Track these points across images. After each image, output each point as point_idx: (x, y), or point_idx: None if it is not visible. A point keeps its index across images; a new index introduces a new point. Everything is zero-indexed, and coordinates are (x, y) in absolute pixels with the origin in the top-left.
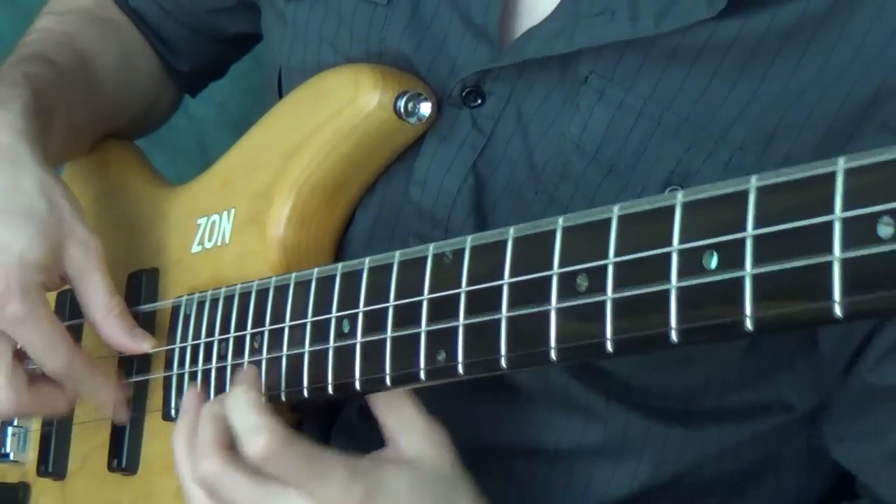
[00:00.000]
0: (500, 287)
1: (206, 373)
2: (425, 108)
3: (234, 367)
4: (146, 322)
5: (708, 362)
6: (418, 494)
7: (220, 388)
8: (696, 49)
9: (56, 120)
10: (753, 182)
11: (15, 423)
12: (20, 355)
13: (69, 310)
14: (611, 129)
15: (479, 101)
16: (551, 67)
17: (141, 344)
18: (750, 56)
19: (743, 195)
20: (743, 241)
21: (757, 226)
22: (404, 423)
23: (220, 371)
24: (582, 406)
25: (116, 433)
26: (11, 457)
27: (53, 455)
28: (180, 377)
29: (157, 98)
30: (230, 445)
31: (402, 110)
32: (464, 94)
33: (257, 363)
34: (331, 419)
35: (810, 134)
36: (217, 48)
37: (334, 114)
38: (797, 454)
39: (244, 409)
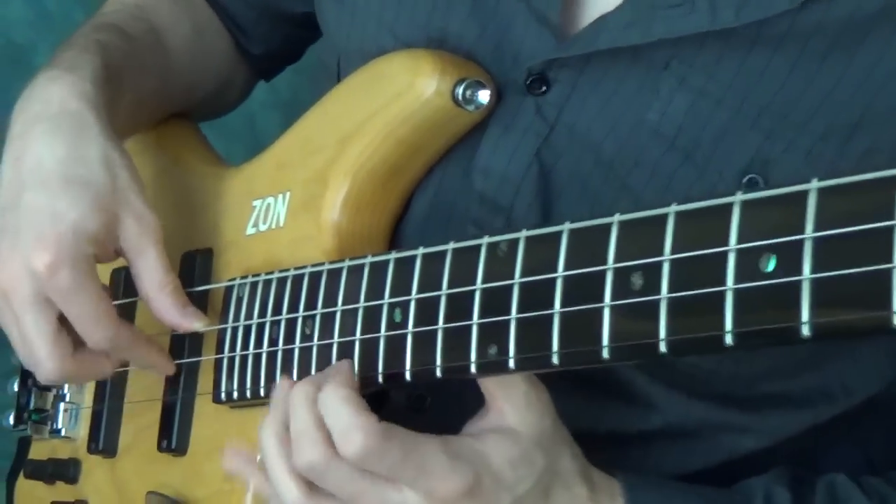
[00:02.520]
0: (554, 281)
1: (257, 357)
2: (483, 96)
3: (286, 353)
4: (199, 303)
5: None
6: (524, 468)
7: (274, 373)
8: (778, 36)
9: (125, 91)
10: (814, 184)
11: (67, 399)
12: (66, 323)
13: (123, 288)
14: (690, 115)
15: (544, 89)
16: (622, 55)
17: (192, 322)
18: (833, 43)
19: (803, 196)
20: (801, 244)
21: (817, 228)
22: (506, 387)
23: (272, 356)
24: (644, 396)
25: (167, 414)
26: (63, 433)
27: (104, 433)
28: (231, 360)
29: (230, 79)
30: (329, 437)
31: (460, 97)
32: (528, 81)
33: (308, 350)
34: (378, 406)
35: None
36: (286, 30)
37: (391, 99)
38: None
39: (337, 408)
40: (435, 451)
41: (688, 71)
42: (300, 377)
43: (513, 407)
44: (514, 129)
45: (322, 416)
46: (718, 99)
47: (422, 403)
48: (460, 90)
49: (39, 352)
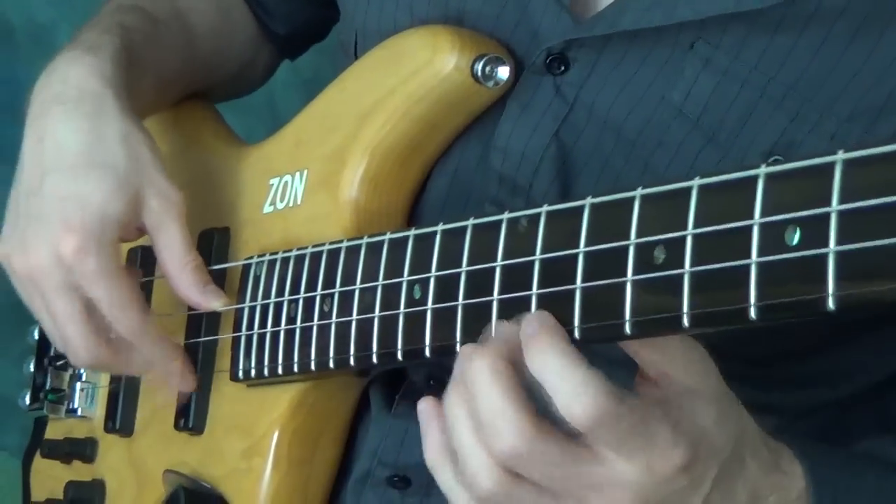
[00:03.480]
0: (576, 257)
1: (275, 335)
2: (503, 72)
3: (304, 331)
4: (216, 282)
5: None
6: (724, 426)
7: (292, 351)
8: (804, 17)
9: (147, 71)
10: (840, 155)
11: (83, 378)
12: (94, 309)
13: (139, 267)
14: (715, 96)
15: (563, 69)
16: (644, 36)
17: (212, 301)
18: (861, 24)
19: (829, 168)
20: (827, 216)
21: (842, 201)
22: (663, 351)
23: (289, 334)
24: None
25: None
26: (80, 412)
27: (121, 412)
28: (249, 338)
29: (253, 59)
30: (531, 409)
31: (479, 74)
32: (547, 61)
33: (327, 327)
34: (397, 384)
35: None
36: (310, 10)
37: (410, 76)
38: None
39: (559, 364)
40: (660, 421)
41: (713, 52)
42: (318, 356)
43: (680, 369)
44: (532, 109)
45: (514, 386)
46: (744, 80)
47: (442, 382)
48: (479, 66)
49: (73, 337)
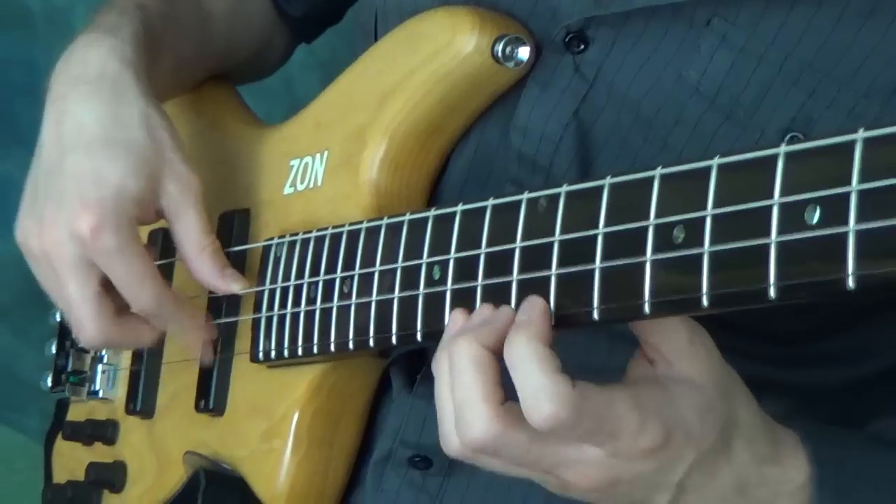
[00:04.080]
0: (595, 237)
1: (295, 316)
2: (523, 53)
3: (324, 312)
4: (236, 263)
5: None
6: (710, 418)
7: (312, 332)
8: None
9: (165, 53)
10: (860, 134)
11: (105, 360)
12: (109, 287)
13: (160, 249)
14: (731, 73)
15: (582, 47)
16: (661, 13)
17: (231, 284)
18: (878, 0)
19: (849, 147)
20: (847, 195)
21: (863, 180)
22: (667, 334)
23: (309, 315)
24: None
25: (204, 374)
26: (101, 394)
27: (142, 394)
28: (269, 319)
29: (270, 41)
30: (501, 399)
31: (499, 54)
32: (566, 39)
33: (346, 308)
34: (418, 365)
35: None
36: None
37: (430, 57)
38: None
39: (529, 365)
40: (627, 409)
41: (729, 28)
42: (339, 337)
43: (681, 354)
44: (552, 88)
45: (489, 377)
46: (760, 56)
47: None
48: (500, 47)
49: (83, 316)
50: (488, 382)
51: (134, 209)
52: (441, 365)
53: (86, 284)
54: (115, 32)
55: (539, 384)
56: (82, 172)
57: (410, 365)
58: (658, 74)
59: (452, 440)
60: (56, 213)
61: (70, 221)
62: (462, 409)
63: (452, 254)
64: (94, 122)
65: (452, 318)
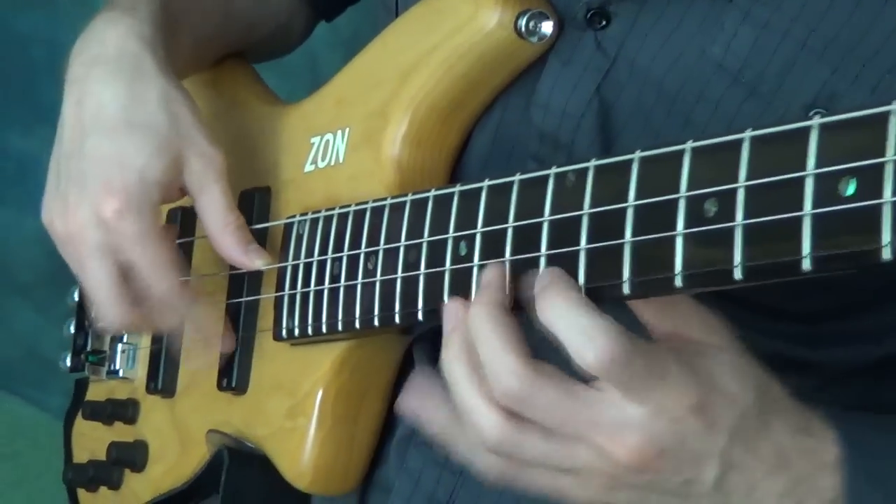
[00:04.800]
0: (625, 210)
1: (319, 294)
2: (546, 28)
3: (348, 289)
4: (258, 241)
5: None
6: (743, 380)
7: (336, 309)
8: None
9: (185, 30)
10: (895, 106)
11: (125, 340)
12: (131, 272)
13: (180, 227)
14: (755, 49)
15: (604, 24)
16: None
17: (254, 260)
18: None
19: (883, 118)
20: (882, 166)
21: None
22: (681, 313)
23: (333, 292)
24: None
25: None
26: (121, 373)
27: (163, 373)
28: (292, 297)
29: (290, 19)
30: (529, 352)
31: (522, 29)
32: (588, 16)
33: (371, 285)
34: (441, 343)
35: None
36: None
37: (452, 32)
38: None
39: (571, 312)
40: (672, 360)
41: (753, 4)
42: (363, 314)
43: (694, 327)
44: (574, 64)
45: (513, 332)
46: (784, 32)
47: None
48: (523, 21)
49: (103, 299)
50: (510, 334)
51: (157, 192)
52: (451, 355)
53: (107, 268)
54: (133, 11)
55: (589, 324)
56: (105, 156)
57: (434, 342)
58: (680, 50)
59: (486, 426)
60: (80, 195)
61: (94, 205)
62: (492, 367)
63: (479, 228)
64: (114, 103)
65: (447, 309)
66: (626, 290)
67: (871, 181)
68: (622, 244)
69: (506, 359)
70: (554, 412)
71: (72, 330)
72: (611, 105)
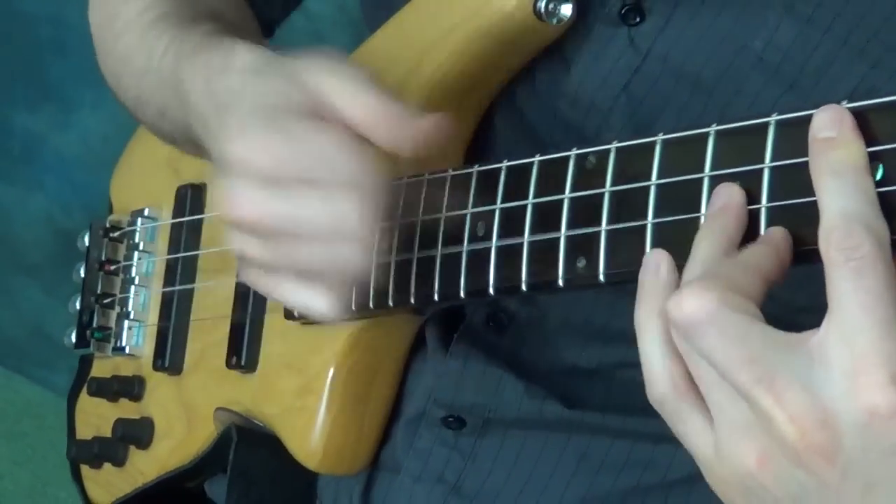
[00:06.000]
0: (647, 189)
1: None
2: (566, 10)
3: None
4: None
5: None
6: None
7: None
8: None
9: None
10: None
11: (131, 316)
12: None
13: (189, 205)
14: (796, 44)
15: (638, 20)
16: None
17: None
18: None
19: None
20: None
21: None
22: None
23: None
24: None
25: (236, 331)
26: (127, 350)
27: (170, 350)
28: None
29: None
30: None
31: (542, 11)
32: (622, 11)
33: (386, 265)
34: (453, 324)
35: None
36: None
37: (471, 14)
38: None
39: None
40: None
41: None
42: (377, 294)
43: None
44: (604, 59)
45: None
46: (826, 28)
47: (501, 324)
48: (542, 3)
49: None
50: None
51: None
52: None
53: None
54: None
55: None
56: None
57: (446, 324)
58: (718, 45)
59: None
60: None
61: None
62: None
63: (498, 205)
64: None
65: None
66: None
67: None
68: (644, 225)
69: (705, 281)
70: (728, 354)
71: (77, 306)
72: (640, 101)
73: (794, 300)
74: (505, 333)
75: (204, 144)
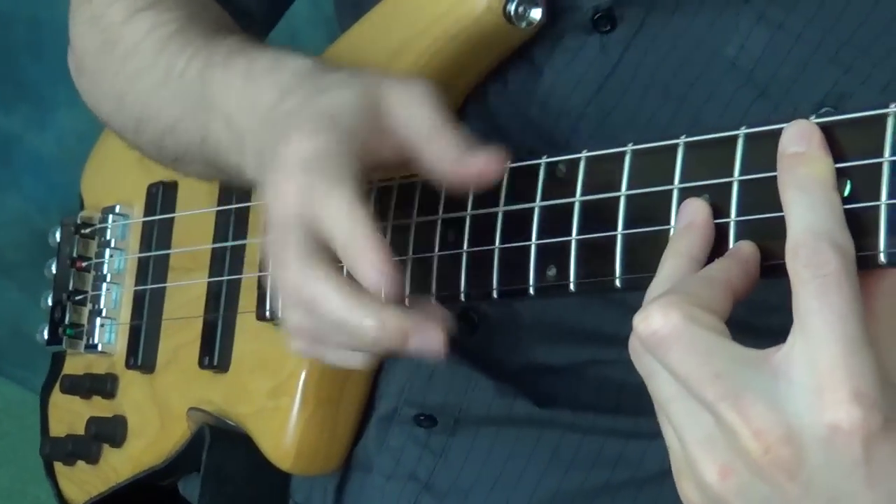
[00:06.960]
0: (617, 200)
1: None
2: (535, 14)
3: None
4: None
5: None
6: None
7: None
8: None
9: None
10: (893, 108)
11: (103, 314)
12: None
13: (160, 202)
14: (768, 50)
15: (610, 27)
16: None
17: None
18: None
19: (881, 120)
20: (879, 167)
21: (895, 153)
22: None
23: None
24: None
25: (208, 331)
26: (99, 348)
27: (143, 349)
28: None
29: None
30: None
31: (512, 14)
32: (595, 18)
33: None
34: None
35: None
36: None
37: (441, 16)
38: None
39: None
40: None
41: (767, 6)
42: None
43: None
44: (576, 65)
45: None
46: (798, 34)
47: (472, 323)
48: (512, 7)
49: None
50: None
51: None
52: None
53: None
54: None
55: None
56: None
57: None
58: (689, 52)
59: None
60: None
61: None
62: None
63: (469, 212)
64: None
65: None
66: (618, 283)
67: (866, 183)
68: (615, 236)
69: (672, 295)
70: (693, 370)
71: (49, 303)
72: (611, 108)
73: (767, 300)
74: (476, 332)
75: (231, 146)
